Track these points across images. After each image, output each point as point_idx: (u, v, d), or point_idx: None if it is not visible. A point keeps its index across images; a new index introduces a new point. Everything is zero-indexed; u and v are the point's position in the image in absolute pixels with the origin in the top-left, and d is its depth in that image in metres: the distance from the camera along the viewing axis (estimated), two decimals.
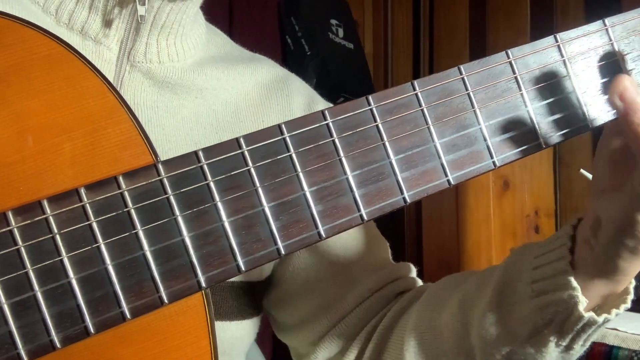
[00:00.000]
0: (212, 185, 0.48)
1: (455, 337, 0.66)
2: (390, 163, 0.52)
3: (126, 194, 0.47)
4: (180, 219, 0.48)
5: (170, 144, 0.69)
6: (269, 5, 2.32)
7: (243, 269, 0.49)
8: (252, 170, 0.49)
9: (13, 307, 0.44)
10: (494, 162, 0.54)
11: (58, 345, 0.45)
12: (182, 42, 0.72)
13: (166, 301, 0.47)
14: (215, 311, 0.68)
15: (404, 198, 0.52)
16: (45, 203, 0.45)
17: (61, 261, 0.45)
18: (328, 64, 2.29)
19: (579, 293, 0.57)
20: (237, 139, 0.49)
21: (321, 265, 0.77)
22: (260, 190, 0.49)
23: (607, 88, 0.57)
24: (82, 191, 0.46)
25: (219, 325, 0.68)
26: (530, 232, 2.23)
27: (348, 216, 0.51)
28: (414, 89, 0.53)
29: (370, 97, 0.52)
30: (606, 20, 0.58)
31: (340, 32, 2.43)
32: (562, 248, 0.59)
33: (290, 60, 2.28)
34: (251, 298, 0.76)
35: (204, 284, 0.48)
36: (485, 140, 0.54)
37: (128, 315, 0.46)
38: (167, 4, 0.68)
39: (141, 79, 0.69)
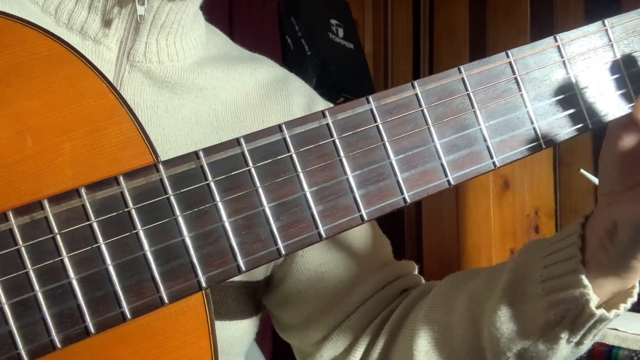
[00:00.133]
0: (212, 185, 0.48)
1: (466, 335, 0.67)
2: (391, 163, 0.52)
3: (126, 193, 0.47)
4: (180, 219, 0.48)
5: (170, 143, 0.69)
6: (269, 5, 2.32)
7: (243, 269, 0.49)
8: (253, 170, 0.49)
9: (13, 307, 0.44)
10: (494, 163, 0.54)
11: (58, 345, 0.45)
12: (181, 41, 0.72)
13: (166, 301, 0.47)
14: (215, 311, 0.68)
15: (404, 198, 0.52)
16: (46, 203, 0.45)
17: (61, 261, 0.45)
18: (328, 64, 2.29)
19: (590, 291, 0.58)
20: (237, 139, 0.49)
21: (325, 265, 0.77)
22: (260, 190, 0.49)
23: (607, 88, 0.57)
24: (83, 191, 0.46)
25: (219, 324, 0.68)
26: (530, 232, 2.23)
27: (348, 216, 0.51)
28: (414, 89, 0.53)
29: (370, 97, 0.52)
30: (606, 21, 0.58)
31: (340, 32, 2.43)
32: (573, 247, 0.60)
33: (290, 60, 2.28)
34: (250, 298, 0.76)
35: (204, 284, 0.48)
36: (485, 140, 0.54)
37: (128, 316, 0.46)
38: (166, 3, 0.68)
39: (141, 78, 0.69)
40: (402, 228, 2.51)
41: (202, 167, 0.48)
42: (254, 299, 0.77)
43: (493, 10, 2.38)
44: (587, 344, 0.62)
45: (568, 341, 0.60)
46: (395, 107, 0.53)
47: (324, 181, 0.51)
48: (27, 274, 0.44)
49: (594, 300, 0.58)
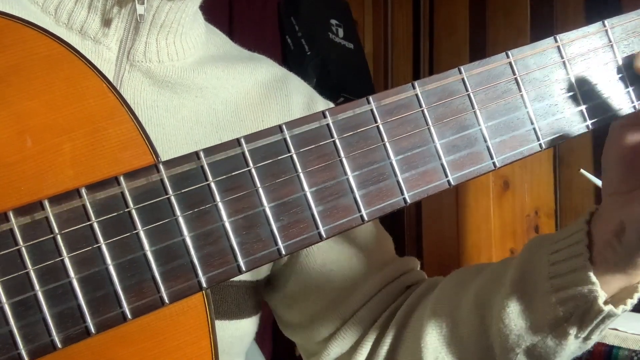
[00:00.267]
0: (212, 185, 0.48)
1: (474, 331, 0.67)
2: (391, 164, 0.52)
3: (127, 194, 0.47)
4: (181, 219, 0.48)
5: (170, 143, 0.69)
6: (269, 5, 2.33)
7: (244, 269, 0.49)
8: (253, 170, 0.49)
9: (14, 307, 0.44)
10: (494, 163, 0.54)
11: (59, 345, 0.45)
12: (181, 41, 0.72)
13: (167, 301, 0.47)
14: (215, 310, 0.68)
15: (404, 199, 0.52)
16: (46, 203, 0.45)
17: (62, 261, 0.45)
18: (328, 64, 2.29)
19: (598, 288, 0.59)
20: (237, 139, 0.49)
21: (329, 264, 0.77)
22: (260, 190, 0.49)
23: (607, 89, 0.57)
24: (83, 191, 0.46)
25: (218, 324, 0.68)
26: (530, 232, 2.23)
27: (348, 217, 0.51)
28: (414, 90, 0.53)
29: (370, 98, 0.52)
30: (606, 22, 0.58)
31: (340, 32, 2.43)
32: (580, 244, 0.60)
33: (290, 60, 2.28)
34: (250, 297, 0.76)
35: (204, 284, 0.48)
36: (485, 141, 0.54)
37: (129, 316, 0.46)
38: (166, 3, 0.68)
39: (141, 78, 0.69)
40: (402, 228, 2.51)
41: (202, 167, 0.48)
42: (254, 298, 0.77)
43: (493, 10, 2.38)
44: (595, 339, 0.63)
45: (576, 336, 0.61)
46: (395, 108, 0.53)
47: (324, 181, 0.51)
48: (27, 273, 0.44)
49: (602, 296, 0.59)
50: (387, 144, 0.52)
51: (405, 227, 2.52)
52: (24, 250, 0.44)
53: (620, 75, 0.58)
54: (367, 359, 0.76)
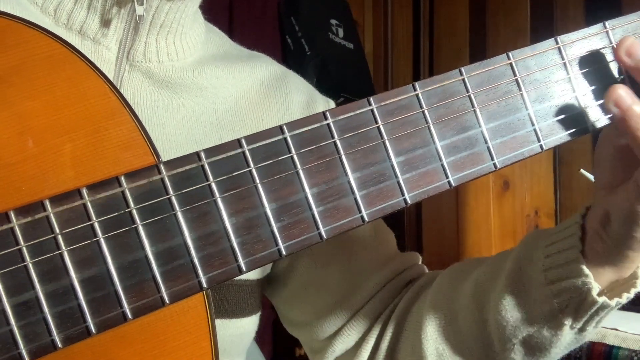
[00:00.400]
0: (213, 185, 0.48)
1: (472, 323, 0.68)
2: (391, 164, 0.52)
3: (128, 194, 0.47)
4: (181, 220, 0.48)
5: (170, 143, 0.69)
6: (269, 5, 2.33)
7: (244, 269, 0.49)
8: (254, 171, 0.49)
9: (14, 306, 0.44)
10: (494, 164, 0.54)
11: (59, 345, 0.45)
12: (181, 41, 0.72)
13: (167, 301, 0.47)
14: (215, 309, 0.68)
15: (404, 199, 0.52)
16: (47, 203, 0.45)
17: (63, 261, 0.45)
18: (328, 64, 2.29)
19: (591, 280, 0.59)
20: (238, 140, 0.49)
21: (333, 262, 0.78)
22: (261, 191, 0.49)
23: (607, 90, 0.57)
24: (84, 191, 0.46)
25: (219, 323, 0.68)
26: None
27: (349, 217, 0.51)
28: (415, 91, 0.53)
29: (371, 99, 0.52)
30: (606, 23, 0.58)
31: (340, 32, 2.43)
32: (573, 237, 0.61)
33: (290, 60, 2.28)
34: (250, 296, 0.77)
35: (205, 285, 0.48)
36: (485, 142, 0.54)
37: (129, 316, 0.46)
38: (165, 3, 0.68)
39: (141, 78, 0.69)
40: (402, 228, 2.51)
41: (203, 167, 0.48)
42: (254, 297, 0.78)
43: (493, 10, 2.38)
44: (590, 331, 0.64)
45: (571, 327, 0.62)
46: (396, 108, 0.53)
47: (324, 182, 0.51)
48: (28, 273, 0.45)
49: (595, 288, 0.59)
50: (388, 145, 0.52)
51: (406, 226, 2.52)
52: (24, 250, 0.45)
53: (621, 76, 0.58)
54: (371, 354, 0.77)
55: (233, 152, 0.49)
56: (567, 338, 0.63)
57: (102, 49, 0.68)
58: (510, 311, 0.64)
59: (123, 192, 0.47)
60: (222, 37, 0.82)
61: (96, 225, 0.46)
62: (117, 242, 0.46)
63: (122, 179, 0.47)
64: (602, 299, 0.59)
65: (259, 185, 0.49)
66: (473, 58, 2.42)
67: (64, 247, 0.45)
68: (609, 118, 0.57)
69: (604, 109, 0.57)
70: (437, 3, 2.55)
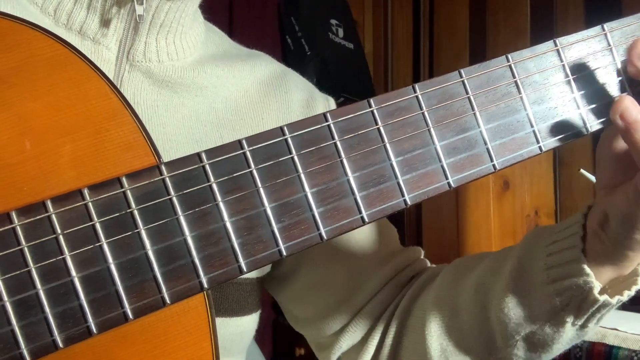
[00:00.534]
0: (214, 186, 0.49)
1: (475, 320, 0.69)
2: (391, 165, 0.52)
3: (129, 194, 0.47)
4: (182, 220, 0.48)
5: (171, 142, 0.69)
6: (269, 5, 2.33)
7: (245, 270, 0.49)
8: (254, 172, 0.49)
9: (16, 306, 0.44)
10: (494, 165, 0.55)
11: (60, 345, 0.45)
12: (181, 40, 0.72)
13: (168, 302, 0.47)
14: (215, 308, 0.69)
15: (404, 200, 0.53)
16: (49, 203, 0.45)
17: (64, 261, 0.45)
18: (328, 64, 2.29)
19: (593, 279, 0.60)
20: (239, 141, 0.49)
21: (337, 260, 0.78)
22: (262, 191, 0.49)
23: (606, 92, 0.58)
24: (86, 192, 0.46)
25: (219, 321, 0.68)
26: None
27: (349, 218, 0.51)
28: (415, 92, 0.53)
29: (371, 100, 0.52)
30: (605, 26, 0.58)
31: (340, 32, 2.43)
32: (575, 236, 0.61)
33: (290, 60, 2.28)
34: (251, 294, 0.77)
35: (206, 285, 0.48)
36: (485, 143, 0.55)
37: (130, 316, 0.47)
38: (165, 2, 0.68)
39: (141, 78, 0.69)
40: (402, 228, 2.51)
41: (204, 168, 0.48)
42: (255, 296, 0.78)
43: (493, 10, 2.38)
44: (592, 327, 0.64)
45: (573, 324, 0.63)
46: (396, 110, 0.53)
47: (325, 183, 0.51)
48: (29, 273, 0.45)
49: (597, 287, 0.60)
50: (388, 146, 0.52)
51: (405, 227, 2.52)
52: (26, 250, 0.45)
53: (619, 78, 0.58)
54: (377, 350, 0.77)
55: (234, 153, 0.49)
56: (569, 334, 0.64)
57: (102, 49, 0.68)
58: (512, 309, 0.64)
59: (124, 193, 0.47)
60: (222, 36, 0.82)
61: (97, 226, 0.46)
62: (118, 242, 0.47)
63: (124, 179, 0.47)
64: (603, 298, 0.60)
65: (260, 186, 0.49)
66: (473, 58, 2.42)
67: (65, 247, 0.45)
68: (608, 123, 0.58)
69: (603, 111, 0.57)
70: (437, 3, 2.55)
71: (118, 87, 0.65)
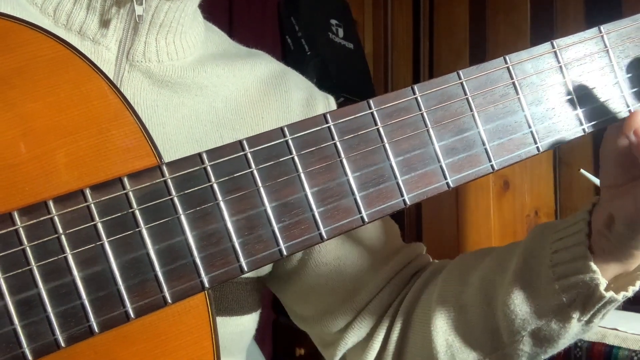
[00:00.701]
0: (215, 186, 0.49)
1: (480, 315, 0.69)
2: (391, 166, 0.53)
3: (131, 194, 0.47)
4: (183, 220, 0.48)
5: (171, 142, 0.69)
6: (269, 5, 2.33)
7: (246, 269, 0.49)
8: (255, 172, 0.50)
9: (18, 305, 0.44)
10: (492, 166, 0.55)
11: (62, 344, 0.45)
12: (181, 40, 0.72)
13: (170, 301, 0.48)
14: (215, 307, 0.69)
15: (404, 200, 0.53)
16: (51, 203, 0.46)
17: (66, 260, 0.46)
18: (328, 64, 2.29)
19: (599, 275, 0.60)
20: (240, 142, 0.50)
21: (341, 258, 0.78)
22: (262, 191, 0.50)
23: (603, 93, 0.58)
24: (87, 192, 0.46)
25: (219, 320, 0.68)
26: None
27: (349, 218, 0.51)
28: (414, 93, 0.54)
29: (371, 101, 0.53)
30: (602, 27, 0.59)
31: (340, 32, 2.43)
32: (580, 234, 0.62)
33: (290, 60, 2.28)
34: (251, 293, 0.77)
35: (207, 284, 0.48)
36: (483, 143, 0.55)
37: (132, 315, 0.47)
38: (164, 2, 0.68)
39: (140, 78, 0.69)
40: (402, 228, 2.51)
41: (205, 168, 0.49)
42: (254, 295, 0.78)
43: (493, 10, 2.38)
44: (597, 322, 0.65)
45: (579, 320, 0.63)
46: (395, 111, 0.53)
47: (325, 183, 0.51)
48: (31, 273, 0.45)
49: (603, 283, 0.60)
50: (387, 146, 0.53)
51: (405, 227, 2.53)
52: (28, 250, 0.45)
53: (615, 80, 0.59)
54: (382, 346, 0.77)
55: (235, 154, 0.49)
56: (575, 330, 0.64)
57: (102, 49, 0.68)
58: (518, 305, 0.65)
59: (126, 193, 0.47)
60: (222, 35, 0.82)
61: (99, 226, 0.46)
62: (120, 242, 0.47)
63: (125, 179, 0.47)
64: (609, 294, 0.60)
65: (260, 186, 0.50)
66: (473, 58, 2.42)
67: (67, 248, 0.46)
68: (611, 119, 0.58)
69: (600, 111, 0.58)
70: (437, 3, 2.56)
71: (118, 87, 0.66)
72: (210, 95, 0.73)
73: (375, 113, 0.53)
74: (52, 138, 0.47)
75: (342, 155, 0.52)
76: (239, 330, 0.76)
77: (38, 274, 0.45)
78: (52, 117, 0.47)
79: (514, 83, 0.56)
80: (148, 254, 0.47)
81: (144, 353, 0.49)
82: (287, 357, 2.12)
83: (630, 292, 0.61)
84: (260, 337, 0.83)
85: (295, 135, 0.51)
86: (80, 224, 0.46)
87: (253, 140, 0.50)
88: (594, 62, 0.58)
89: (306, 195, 0.51)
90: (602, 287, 0.60)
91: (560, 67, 0.58)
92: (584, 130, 0.58)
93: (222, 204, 0.49)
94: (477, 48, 2.41)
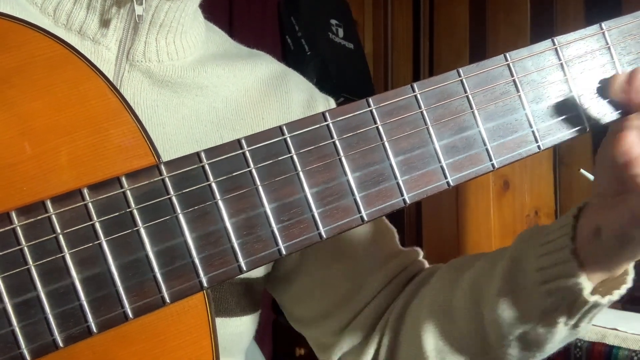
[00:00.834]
0: (213, 186, 0.49)
1: (469, 321, 0.69)
2: (390, 164, 0.52)
3: (129, 194, 0.47)
4: (182, 219, 0.48)
5: (171, 142, 0.69)
6: (269, 5, 2.33)
7: (245, 269, 0.49)
8: (254, 171, 0.49)
9: (16, 306, 0.44)
10: (492, 164, 0.55)
11: (61, 344, 0.45)
12: (181, 40, 0.72)
13: (168, 301, 0.48)
14: (215, 308, 0.69)
15: (403, 199, 0.53)
16: (49, 203, 0.46)
17: (64, 261, 0.45)
18: (328, 64, 2.29)
19: (583, 280, 0.60)
20: (238, 140, 0.49)
21: (337, 261, 0.78)
22: (261, 190, 0.50)
23: (604, 90, 0.58)
24: (85, 191, 0.46)
25: (219, 321, 0.68)
26: None
27: (348, 217, 0.51)
28: (414, 91, 0.53)
29: (370, 99, 0.52)
30: (603, 24, 0.58)
31: (340, 32, 2.43)
32: (565, 238, 0.61)
33: (290, 60, 2.29)
34: (250, 294, 0.77)
35: (205, 284, 0.48)
36: (484, 142, 0.55)
37: (130, 315, 0.47)
38: (165, 2, 0.68)
39: (140, 78, 0.69)
40: (402, 228, 2.51)
41: (203, 168, 0.48)
42: (254, 296, 0.78)
43: (493, 10, 2.38)
44: (584, 327, 0.64)
45: (565, 324, 0.63)
46: (394, 109, 0.53)
47: (324, 182, 0.51)
48: (29, 273, 0.45)
49: (587, 288, 0.60)
50: (387, 145, 0.52)
51: (405, 227, 2.53)
52: (26, 250, 0.45)
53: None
54: (376, 351, 0.78)
55: (233, 153, 0.49)
56: (562, 334, 0.64)
57: (102, 49, 0.68)
58: (505, 310, 0.65)
59: (124, 192, 0.47)
60: (222, 35, 0.82)
61: (97, 225, 0.46)
62: (118, 242, 0.47)
63: (123, 179, 0.47)
64: (594, 299, 0.60)
65: (259, 186, 0.50)
66: (473, 58, 2.42)
67: (65, 247, 0.46)
68: (610, 116, 0.57)
69: (601, 108, 0.57)
70: (437, 3, 2.56)
71: (118, 87, 0.66)
72: (210, 95, 0.73)
73: (374, 111, 0.52)
74: (51, 137, 0.47)
75: (341, 153, 0.51)
76: (239, 331, 0.76)
77: (36, 274, 0.45)
78: (50, 116, 0.47)
79: (514, 80, 0.56)
80: (146, 254, 0.47)
81: (142, 353, 0.48)
82: (287, 357, 2.12)
83: (616, 296, 0.61)
84: (260, 337, 0.83)
85: (294, 134, 0.50)
86: (78, 224, 0.46)
87: (251, 138, 0.49)
88: (595, 59, 0.58)
89: (305, 195, 0.50)
90: (585, 292, 0.60)
91: (561, 64, 0.57)
92: (585, 128, 0.57)
93: (220, 203, 0.49)
94: (477, 48, 2.42)
